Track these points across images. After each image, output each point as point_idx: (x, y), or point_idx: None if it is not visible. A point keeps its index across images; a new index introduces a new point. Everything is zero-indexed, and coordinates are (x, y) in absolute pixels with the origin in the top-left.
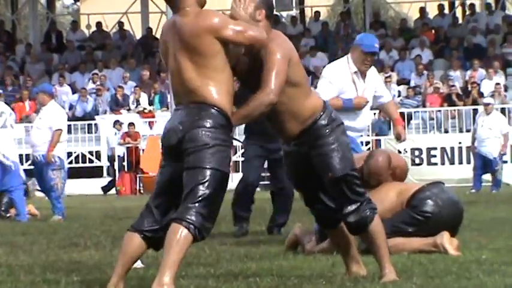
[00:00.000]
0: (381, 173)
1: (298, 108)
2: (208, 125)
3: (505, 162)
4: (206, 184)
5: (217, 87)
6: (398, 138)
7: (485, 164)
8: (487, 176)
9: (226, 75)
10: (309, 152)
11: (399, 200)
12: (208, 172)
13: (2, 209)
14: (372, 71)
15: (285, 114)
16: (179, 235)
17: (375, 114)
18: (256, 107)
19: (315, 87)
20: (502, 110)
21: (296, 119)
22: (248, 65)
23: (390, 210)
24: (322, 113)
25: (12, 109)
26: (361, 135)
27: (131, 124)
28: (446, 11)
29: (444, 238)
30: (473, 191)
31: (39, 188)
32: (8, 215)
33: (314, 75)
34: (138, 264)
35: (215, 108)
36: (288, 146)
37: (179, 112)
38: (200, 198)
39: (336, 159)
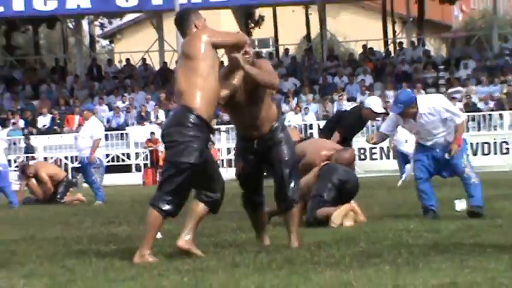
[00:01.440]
0: (350, 164)
1: (271, 113)
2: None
3: None
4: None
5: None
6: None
7: (405, 158)
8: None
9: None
10: (271, 146)
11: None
12: (167, 164)
13: (58, 196)
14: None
15: (264, 117)
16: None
17: None
18: (266, 76)
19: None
20: None
21: (269, 121)
22: (243, 97)
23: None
24: (277, 119)
25: (64, 123)
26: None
27: (152, 133)
28: (382, 47)
29: (355, 204)
30: (402, 178)
31: (84, 181)
32: (62, 200)
33: (286, 94)
34: (158, 235)
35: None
36: (250, 144)
37: None
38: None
39: (289, 150)
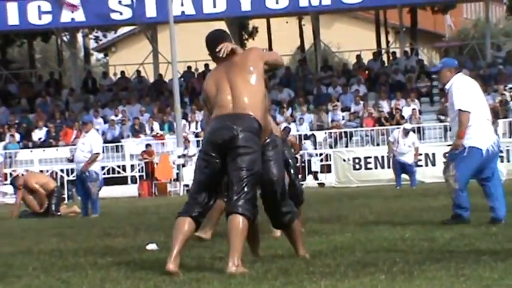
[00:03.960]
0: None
1: (266, 128)
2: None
3: (420, 166)
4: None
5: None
6: None
7: (403, 168)
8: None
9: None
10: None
11: None
12: (247, 170)
13: (53, 209)
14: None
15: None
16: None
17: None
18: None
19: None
20: (418, 129)
21: (263, 134)
22: None
23: None
24: (270, 135)
25: (60, 137)
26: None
27: (148, 145)
28: (376, 57)
29: None
30: (398, 187)
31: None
32: (58, 213)
33: (280, 105)
34: (154, 247)
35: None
36: None
37: None
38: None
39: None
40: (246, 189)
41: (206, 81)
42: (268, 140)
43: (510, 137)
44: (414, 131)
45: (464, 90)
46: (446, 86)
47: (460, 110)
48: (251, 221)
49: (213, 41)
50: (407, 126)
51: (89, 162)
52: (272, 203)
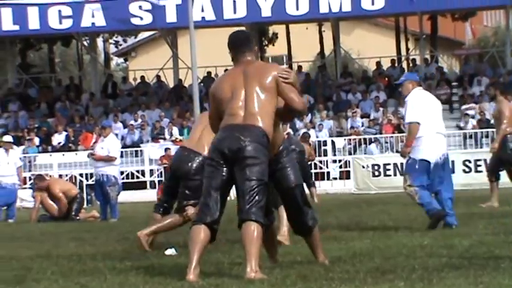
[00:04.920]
0: None
1: (278, 138)
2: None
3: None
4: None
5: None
6: None
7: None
8: None
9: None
10: (275, 170)
11: None
12: (256, 181)
13: (73, 213)
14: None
15: (271, 143)
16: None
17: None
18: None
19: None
20: None
21: (276, 146)
22: None
23: None
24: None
25: (79, 141)
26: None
27: (167, 149)
28: (396, 64)
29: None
30: None
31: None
32: (77, 218)
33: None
34: (172, 251)
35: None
36: None
37: None
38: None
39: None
40: (257, 197)
41: (221, 83)
42: (281, 148)
43: None
44: None
45: (416, 104)
46: (406, 98)
47: (409, 122)
48: (265, 228)
49: (237, 42)
50: None
51: (104, 158)
52: (294, 209)
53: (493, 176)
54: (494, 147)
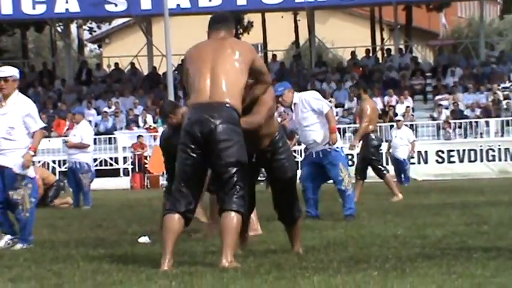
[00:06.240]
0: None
1: (272, 128)
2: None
3: (413, 163)
4: None
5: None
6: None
7: (396, 165)
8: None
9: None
10: (270, 159)
11: None
12: (234, 164)
13: (49, 200)
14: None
15: (264, 134)
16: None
17: None
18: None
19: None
20: (411, 126)
21: (269, 136)
22: None
23: None
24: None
25: (52, 127)
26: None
27: (140, 136)
28: (371, 54)
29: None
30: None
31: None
32: (52, 204)
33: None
34: (146, 239)
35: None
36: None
37: None
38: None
39: (290, 164)
40: (237, 185)
41: (190, 56)
42: (277, 137)
43: (502, 136)
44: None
45: (318, 96)
46: (292, 106)
47: (329, 110)
48: (245, 217)
49: (215, 18)
50: (400, 117)
51: (77, 145)
52: (285, 199)
53: (360, 174)
54: (353, 145)
